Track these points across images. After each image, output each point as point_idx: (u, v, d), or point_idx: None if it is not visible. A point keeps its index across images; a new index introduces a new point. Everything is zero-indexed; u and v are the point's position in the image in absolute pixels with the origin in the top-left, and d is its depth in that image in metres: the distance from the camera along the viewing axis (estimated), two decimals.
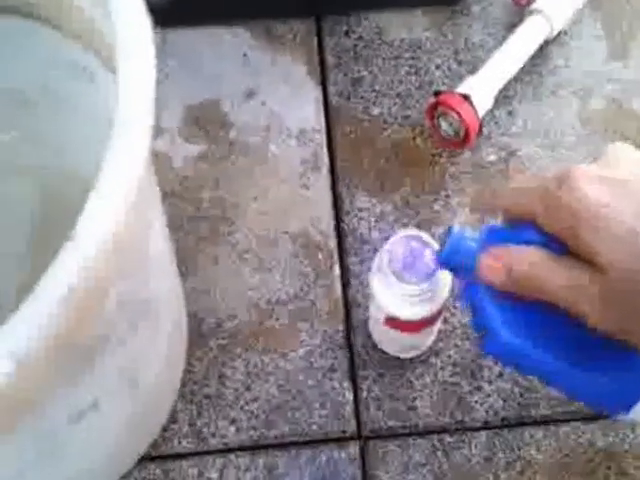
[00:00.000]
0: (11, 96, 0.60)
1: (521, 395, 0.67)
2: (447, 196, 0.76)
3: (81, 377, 0.44)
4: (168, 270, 0.56)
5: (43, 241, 0.64)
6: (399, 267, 0.56)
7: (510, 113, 0.80)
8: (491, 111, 0.78)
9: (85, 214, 0.36)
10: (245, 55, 0.82)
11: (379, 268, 0.58)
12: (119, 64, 0.41)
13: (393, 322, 0.60)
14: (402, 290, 0.56)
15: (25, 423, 0.39)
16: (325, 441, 0.63)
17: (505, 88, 0.79)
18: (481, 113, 0.75)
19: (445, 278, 0.59)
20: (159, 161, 0.75)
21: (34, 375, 0.33)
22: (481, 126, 0.75)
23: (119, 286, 0.42)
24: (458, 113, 0.73)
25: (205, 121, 0.78)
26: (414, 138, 0.78)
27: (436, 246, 0.57)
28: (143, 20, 0.43)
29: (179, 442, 0.64)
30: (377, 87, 0.81)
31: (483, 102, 0.75)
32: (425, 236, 0.57)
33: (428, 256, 0.56)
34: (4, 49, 0.57)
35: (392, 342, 0.66)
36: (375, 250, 0.73)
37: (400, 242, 0.57)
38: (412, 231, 0.57)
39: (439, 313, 0.61)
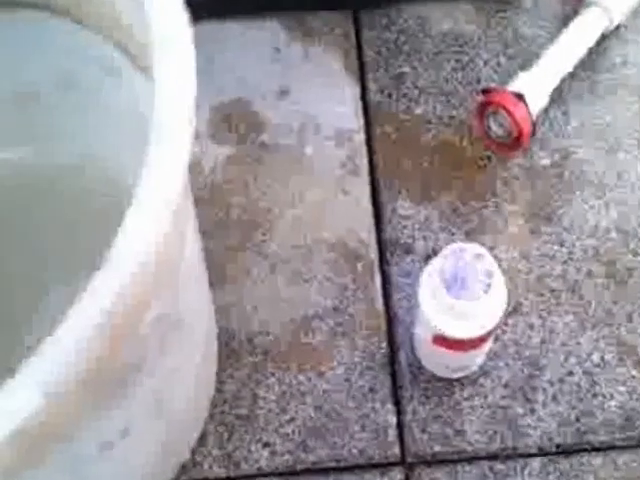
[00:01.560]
0: (32, 94, 0.60)
1: (577, 419, 0.66)
2: (497, 202, 0.75)
3: (114, 405, 0.43)
4: (200, 283, 0.56)
5: (73, 245, 0.64)
6: (451, 282, 0.55)
7: (564, 113, 0.79)
8: (544, 110, 0.77)
9: (123, 232, 0.35)
10: (277, 50, 0.82)
11: (428, 282, 0.57)
12: (155, 65, 0.40)
13: (442, 341, 0.59)
14: (453, 307, 0.56)
15: (55, 455, 0.38)
16: (366, 467, 0.63)
17: (558, 86, 0.78)
18: (535, 113, 0.74)
19: (500, 294, 0.58)
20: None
21: (65, 407, 0.33)
22: (535, 127, 0.74)
23: (154, 307, 0.41)
24: (510, 113, 0.72)
25: (235, 121, 0.78)
26: (461, 139, 0.77)
27: (491, 259, 0.56)
28: (181, 15, 0.42)
29: (209, 467, 0.64)
30: (420, 84, 0.80)
31: (537, 101, 0.74)
32: (480, 249, 0.56)
33: (482, 270, 0.55)
34: (23, 45, 0.57)
35: (440, 362, 0.65)
36: (419, 261, 0.72)
37: (452, 255, 0.56)
38: (465, 243, 0.57)
39: (492, 332, 0.60)
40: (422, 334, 0.62)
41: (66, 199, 0.64)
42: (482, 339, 0.59)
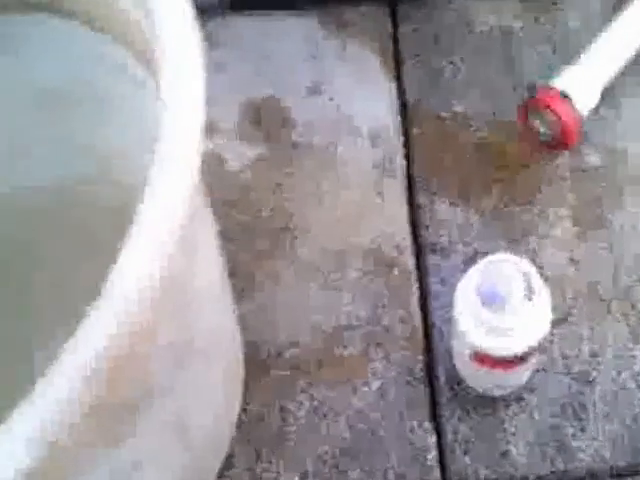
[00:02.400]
0: (53, 98, 0.57)
1: (632, 439, 0.61)
2: (542, 205, 0.70)
3: (121, 441, 0.39)
4: (219, 297, 0.52)
5: (89, 252, 0.60)
6: (488, 296, 0.51)
7: (615, 109, 0.74)
8: (595, 109, 0.72)
9: (126, 252, 0.32)
10: (310, 44, 0.78)
11: (463, 296, 0.53)
12: (162, 68, 0.37)
13: (482, 359, 0.55)
14: (491, 322, 0.51)
15: None
16: None
17: (609, 82, 0.73)
18: (584, 112, 0.69)
19: (544, 307, 0.53)
20: (211, 164, 0.71)
21: (60, 461, 0.30)
22: (582, 127, 0.69)
23: (162, 331, 0.37)
24: (556, 112, 0.67)
25: (265, 119, 0.74)
26: (503, 139, 0.73)
27: (532, 269, 0.51)
28: (187, 19, 0.39)
29: None
30: (460, 81, 0.76)
31: (586, 99, 0.69)
32: (519, 260, 0.52)
33: (522, 282, 0.51)
34: (39, 48, 0.54)
35: (481, 379, 0.60)
36: (458, 267, 0.67)
37: (492, 266, 0.52)
38: (506, 255, 0.53)
39: (537, 349, 0.55)
40: (460, 350, 0.57)
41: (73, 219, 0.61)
42: (524, 357, 0.54)
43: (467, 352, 0.55)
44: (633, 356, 0.65)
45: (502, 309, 0.51)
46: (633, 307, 0.66)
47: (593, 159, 0.72)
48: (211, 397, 0.50)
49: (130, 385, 0.35)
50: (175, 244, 0.33)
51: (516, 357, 0.54)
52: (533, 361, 0.59)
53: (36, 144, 0.59)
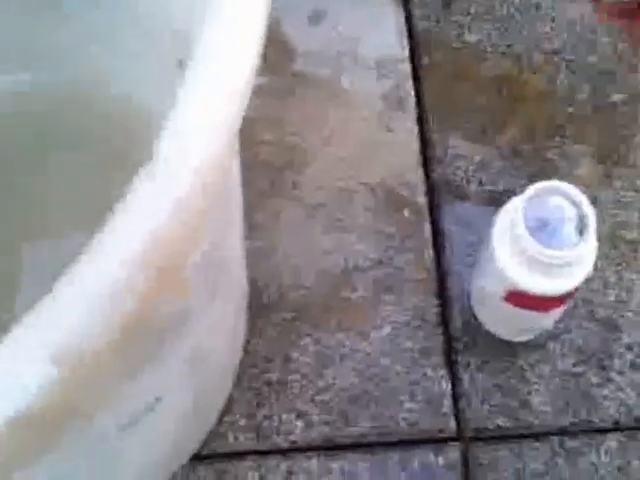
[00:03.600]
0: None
1: None
2: (563, 142, 0.66)
3: (147, 371, 0.35)
4: (241, 222, 0.48)
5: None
6: (537, 227, 0.47)
7: (635, 45, 0.70)
8: (615, 47, 0.68)
9: (172, 127, 0.27)
10: None
11: (506, 227, 0.48)
12: None
13: (518, 298, 0.50)
14: (540, 257, 0.47)
15: (71, 436, 0.30)
16: (417, 442, 0.56)
17: None
18: None
19: (592, 244, 0.49)
20: None
21: (84, 379, 0.26)
22: None
23: (204, 238, 0.32)
24: None
25: (264, 47, 0.68)
26: (520, 71, 0.68)
27: (586, 201, 0.47)
28: None
29: (235, 439, 0.55)
30: (474, 8, 0.71)
31: None
32: (573, 189, 0.48)
33: (575, 214, 0.47)
34: None
35: (507, 322, 0.56)
36: (474, 207, 0.63)
37: (540, 195, 0.48)
38: (556, 183, 0.48)
39: (578, 288, 0.51)
40: (489, 291, 0.53)
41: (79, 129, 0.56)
42: (567, 296, 0.50)
43: (501, 292, 0.51)
44: None
45: (552, 242, 0.47)
46: None
47: (615, 95, 0.68)
48: (223, 333, 0.46)
49: (167, 304, 0.30)
50: (234, 123, 0.29)
51: (558, 297, 0.50)
52: (570, 301, 0.54)
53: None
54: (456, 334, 0.59)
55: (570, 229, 0.47)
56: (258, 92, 0.72)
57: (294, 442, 0.55)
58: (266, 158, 0.65)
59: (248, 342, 0.57)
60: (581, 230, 0.47)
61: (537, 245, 0.46)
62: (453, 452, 0.56)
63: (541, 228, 0.47)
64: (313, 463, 0.54)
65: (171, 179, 0.27)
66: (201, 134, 0.29)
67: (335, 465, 0.55)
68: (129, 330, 0.26)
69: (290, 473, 0.54)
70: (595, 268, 0.61)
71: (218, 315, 0.42)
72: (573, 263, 0.48)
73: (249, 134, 0.66)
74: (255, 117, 0.67)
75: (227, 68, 0.29)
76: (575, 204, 0.48)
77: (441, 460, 0.55)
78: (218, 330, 0.44)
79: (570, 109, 0.67)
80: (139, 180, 0.26)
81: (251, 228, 0.62)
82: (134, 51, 0.50)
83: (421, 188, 0.64)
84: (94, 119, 0.54)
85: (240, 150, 0.67)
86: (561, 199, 0.48)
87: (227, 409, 0.55)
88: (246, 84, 0.29)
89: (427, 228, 0.63)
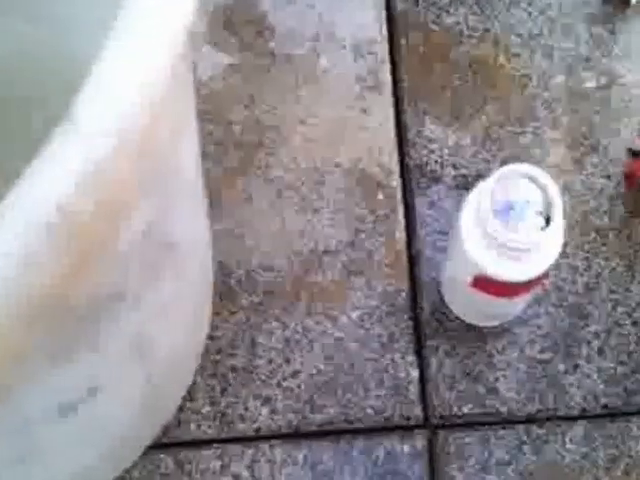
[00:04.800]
0: None
1: (626, 377, 0.53)
2: (537, 127, 0.59)
3: (81, 352, 0.29)
4: (198, 203, 0.39)
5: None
6: (503, 212, 0.41)
7: (611, 31, 0.62)
8: (590, 33, 0.59)
9: (91, 85, 0.22)
10: None
11: (473, 212, 0.41)
12: None
13: (485, 284, 0.44)
14: (505, 243, 0.40)
15: None
16: (384, 430, 0.50)
17: None
18: None
19: (560, 228, 0.43)
20: None
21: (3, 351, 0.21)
22: None
23: (140, 212, 0.27)
24: None
25: (239, 24, 0.61)
26: (496, 55, 0.60)
27: (554, 186, 0.41)
28: None
29: (197, 426, 0.49)
30: None
31: None
32: (540, 172, 0.42)
33: (542, 199, 0.42)
34: None
35: (475, 308, 0.50)
36: (447, 191, 0.55)
37: (506, 178, 0.42)
38: (524, 166, 0.42)
39: (546, 274, 0.44)
40: (457, 276, 0.46)
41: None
42: (533, 283, 0.43)
43: (468, 277, 0.44)
44: (628, 290, 0.55)
45: (518, 227, 0.41)
46: (630, 239, 0.55)
47: (589, 82, 0.61)
48: (180, 317, 0.39)
49: (98, 274, 0.23)
50: (164, 86, 0.22)
51: (524, 283, 0.43)
52: (537, 287, 0.47)
53: None
54: (425, 320, 0.53)
55: (536, 214, 0.42)
56: (232, 69, 0.63)
57: (258, 430, 0.48)
58: (238, 136, 0.58)
59: (214, 327, 0.49)
60: (547, 215, 0.42)
61: (501, 228, 0.41)
62: (419, 440, 0.49)
63: (507, 212, 0.42)
64: (277, 452, 0.48)
65: (85, 141, 0.20)
66: (123, 93, 0.21)
67: (299, 454, 0.48)
68: (47, 302, 0.22)
69: (254, 462, 0.47)
70: (565, 255, 0.54)
71: (167, 300, 0.34)
72: (538, 249, 0.42)
73: (222, 111, 0.58)
74: (229, 95, 0.59)
75: (157, 26, 0.21)
76: (542, 188, 0.42)
77: (407, 448, 0.49)
78: (169, 317, 0.36)
79: (545, 94, 0.60)
80: (51, 141, 0.19)
81: (220, 208, 0.54)
82: None
83: (395, 171, 0.57)
84: (25, 61, 0.45)
85: (211, 126, 0.59)
86: (528, 183, 0.42)
87: (190, 395, 0.47)
88: (176, 44, 0.22)
89: (400, 212, 0.56)
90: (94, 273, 0.25)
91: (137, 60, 0.23)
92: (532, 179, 0.42)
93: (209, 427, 0.48)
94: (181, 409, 0.48)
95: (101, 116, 0.22)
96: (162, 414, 0.46)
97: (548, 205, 0.41)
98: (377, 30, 0.61)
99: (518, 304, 0.49)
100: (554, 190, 0.41)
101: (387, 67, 0.60)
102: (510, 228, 0.41)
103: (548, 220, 0.41)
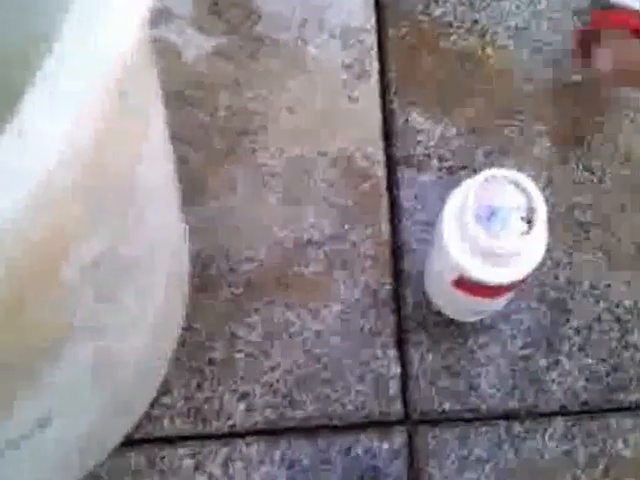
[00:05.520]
0: None
1: (608, 374, 0.49)
2: (522, 120, 0.55)
3: (19, 397, 0.24)
4: (168, 200, 0.34)
5: None
6: (485, 216, 0.38)
7: None
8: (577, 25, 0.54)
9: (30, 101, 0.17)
10: None
11: (455, 213, 0.37)
12: None
13: (466, 285, 0.40)
14: (486, 247, 0.38)
15: None
16: (363, 426, 0.46)
17: None
18: None
19: (542, 233, 0.40)
20: (163, 53, 0.52)
21: None
22: None
23: (88, 241, 0.22)
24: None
25: (225, 7, 0.55)
26: (483, 48, 0.55)
27: (536, 191, 0.38)
28: None
29: (170, 421, 0.44)
30: None
31: None
32: (523, 178, 0.39)
33: (525, 204, 0.38)
34: None
35: (457, 306, 0.46)
36: (434, 184, 0.50)
37: (489, 182, 0.38)
38: (509, 171, 0.39)
39: (527, 277, 0.39)
40: (440, 274, 0.42)
41: None
42: (515, 285, 0.39)
43: (448, 276, 0.40)
44: (609, 285, 0.51)
45: (500, 232, 0.38)
46: (613, 234, 0.51)
47: (575, 75, 0.55)
48: (145, 330, 0.34)
49: (37, 313, 0.19)
50: (114, 98, 0.18)
51: (505, 286, 0.38)
52: (521, 286, 0.43)
53: None
54: (407, 314, 0.48)
55: (519, 219, 0.38)
56: (218, 53, 0.57)
57: (234, 426, 0.44)
58: (223, 122, 0.53)
59: (191, 318, 0.45)
60: (530, 221, 0.38)
61: (483, 234, 0.37)
62: (399, 437, 0.45)
63: (489, 216, 0.38)
64: (253, 449, 0.43)
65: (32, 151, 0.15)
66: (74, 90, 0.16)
67: (276, 451, 0.43)
68: None
69: (228, 459, 0.42)
70: (547, 249, 0.49)
71: (127, 320, 0.29)
72: (520, 253, 0.39)
73: (207, 96, 0.52)
74: (213, 78, 0.53)
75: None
76: (526, 194, 0.38)
77: (386, 445, 0.44)
78: (132, 333, 0.31)
79: (530, 87, 0.55)
80: None
81: (202, 195, 0.49)
82: None
83: (381, 161, 0.52)
84: None
85: (195, 111, 0.53)
86: (512, 188, 0.38)
87: (164, 389, 0.42)
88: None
89: (385, 203, 0.51)
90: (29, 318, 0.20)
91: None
92: (516, 184, 0.38)
93: (183, 423, 0.44)
94: (154, 404, 0.43)
95: (46, 130, 0.17)
96: (131, 415, 0.41)
97: (531, 210, 0.38)
98: (366, 18, 0.56)
99: (501, 302, 0.45)
100: (537, 195, 0.38)
101: (375, 56, 0.55)
102: (492, 234, 0.37)
103: (531, 224, 0.37)
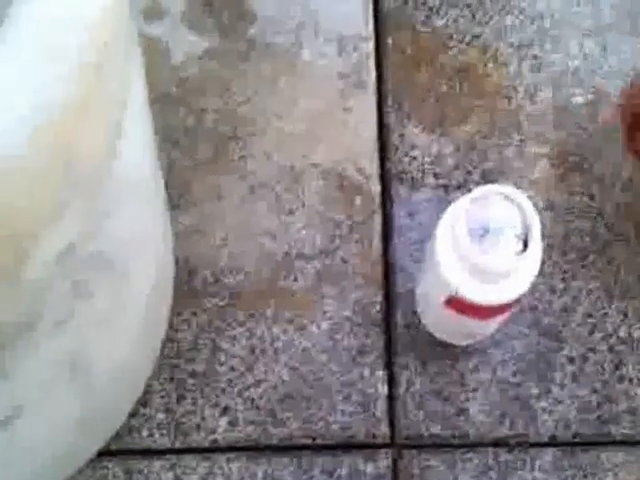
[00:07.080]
0: None
1: (599, 406, 0.53)
2: (522, 140, 0.60)
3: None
4: (149, 200, 0.38)
5: None
6: (479, 234, 0.42)
7: (603, 48, 0.63)
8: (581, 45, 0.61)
9: None
10: None
11: (448, 230, 0.42)
12: None
13: (458, 305, 0.44)
14: (480, 265, 0.41)
15: None
16: (348, 447, 0.50)
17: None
18: None
19: (536, 253, 0.44)
20: (153, 51, 0.57)
21: None
22: None
23: (58, 225, 0.25)
24: None
25: (219, 6, 0.60)
26: (484, 63, 0.61)
27: (531, 208, 0.42)
28: None
29: (149, 434, 0.48)
30: None
31: None
32: (519, 194, 0.42)
33: (520, 222, 0.42)
34: None
35: (448, 327, 0.50)
36: (427, 201, 0.56)
37: (484, 199, 0.42)
38: (504, 188, 0.43)
39: (521, 298, 0.45)
40: (431, 293, 0.46)
41: None
42: (508, 306, 0.44)
43: (440, 296, 0.44)
44: (605, 314, 0.56)
45: (493, 251, 0.42)
46: (610, 262, 0.57)
47: (578, 97, 0.62)
48: (123, 331, 0.37)
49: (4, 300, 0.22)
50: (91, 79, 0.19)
51: (498, 306, 0.43)
52: (513, 309, 0.48)
53: None
54: (397, 334, 0.53)
55: (513, 238, 0.42)
56: (209, 54, 0.63)
57: (215, 441, 0.48)
58: (211, 126, 0.57)
59: (173, 329, 0.49)
60: (525, 240, 0.42)
61: (476, 252, 0.41)
62: (383, 460, 0.50)
63: (483, 234, 0.42)
64: (234, 465, 0.47)
65: None
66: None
67: (258, 469, 0.47)
68: None
69: (208, 474, 0.47)
70: (543, 274, 0.55)
71: (105, 314, 0.33)
72: (514, 273, 0.42)
73: (195, 98, 0.57)
74: (203, 81, 0.58)
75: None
76: (521, 211, 0.42)
77: (370, 468, 0.49)
78: (109, 332, 0.35)
79: (531, 107, 0.60)
80: None
81: (187, 201, 0.54)
82: None
83: (375, 176, 0.57)
84: None
85: (183, 114, 0.59)
86: (507, 204, 0.42)
87: (143, 401, 0.47)
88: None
89: (377, 219, 0.56)
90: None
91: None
92: (511, 201, 0.42)
93: (162, 436, 0.48)
94: (133, 415, 0.47)
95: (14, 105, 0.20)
96: (108, 425, 0.45)
97: (526, 228, 0.42)
98: (364, 26, 0.61)
99: (493, 325, 0.50)
100: (533, 213, 0.42)
101: (372, 65, 0.60)
102: (486, 252, 0.41)
103: (526, 243, 0.42)
